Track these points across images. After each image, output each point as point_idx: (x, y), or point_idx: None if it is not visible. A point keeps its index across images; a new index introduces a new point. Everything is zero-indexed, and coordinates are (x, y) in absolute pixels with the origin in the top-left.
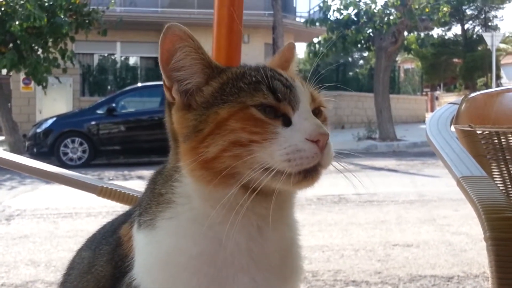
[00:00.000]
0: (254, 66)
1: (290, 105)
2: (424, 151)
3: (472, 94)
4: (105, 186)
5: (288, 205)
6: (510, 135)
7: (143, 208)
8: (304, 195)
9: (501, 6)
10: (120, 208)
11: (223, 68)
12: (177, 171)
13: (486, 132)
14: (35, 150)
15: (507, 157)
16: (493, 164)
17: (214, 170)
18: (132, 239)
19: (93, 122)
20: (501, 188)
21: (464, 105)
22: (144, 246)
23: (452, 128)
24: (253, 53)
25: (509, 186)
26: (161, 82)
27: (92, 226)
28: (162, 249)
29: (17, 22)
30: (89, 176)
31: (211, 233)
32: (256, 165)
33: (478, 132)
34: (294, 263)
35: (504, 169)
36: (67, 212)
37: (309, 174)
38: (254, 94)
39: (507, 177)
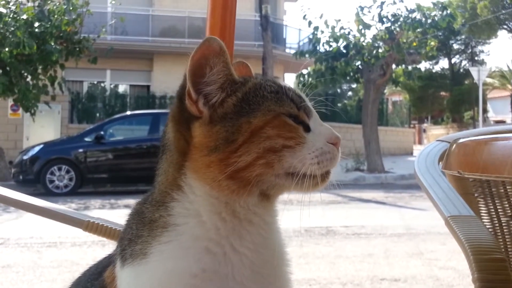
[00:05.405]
0: (262, 77)
1: (305, 112)
2: (411, 184)
3: (462, 140)
4: (91, 221)
5: (277, 212)
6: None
7: (127, 241)
8: (292, 227)
9: (488, 41)
10: (106, 239)
11: (243, 80)
12: (175, 189)
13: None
14: (21, 177)
15: (496, 201)
16: (481, 202)
17: (241, 180)
18: (116, 279)
19: (80, 150)
20: (488, 226)
21: (453, 149)
22: (131, 280)
23: (441, 164)
24: None
25: (497, 225)
26: (150, 111)
27: (76, 256)
28: (156, 276)
29: (6, 49)
30: (74, 211)
31: (216, 247)
32: (281, 171)
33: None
34: (285, 277)
35: (492, 207)
36: (52, 241)
37: (328, 175)
38: (280, 104)
39: (494, 216)
